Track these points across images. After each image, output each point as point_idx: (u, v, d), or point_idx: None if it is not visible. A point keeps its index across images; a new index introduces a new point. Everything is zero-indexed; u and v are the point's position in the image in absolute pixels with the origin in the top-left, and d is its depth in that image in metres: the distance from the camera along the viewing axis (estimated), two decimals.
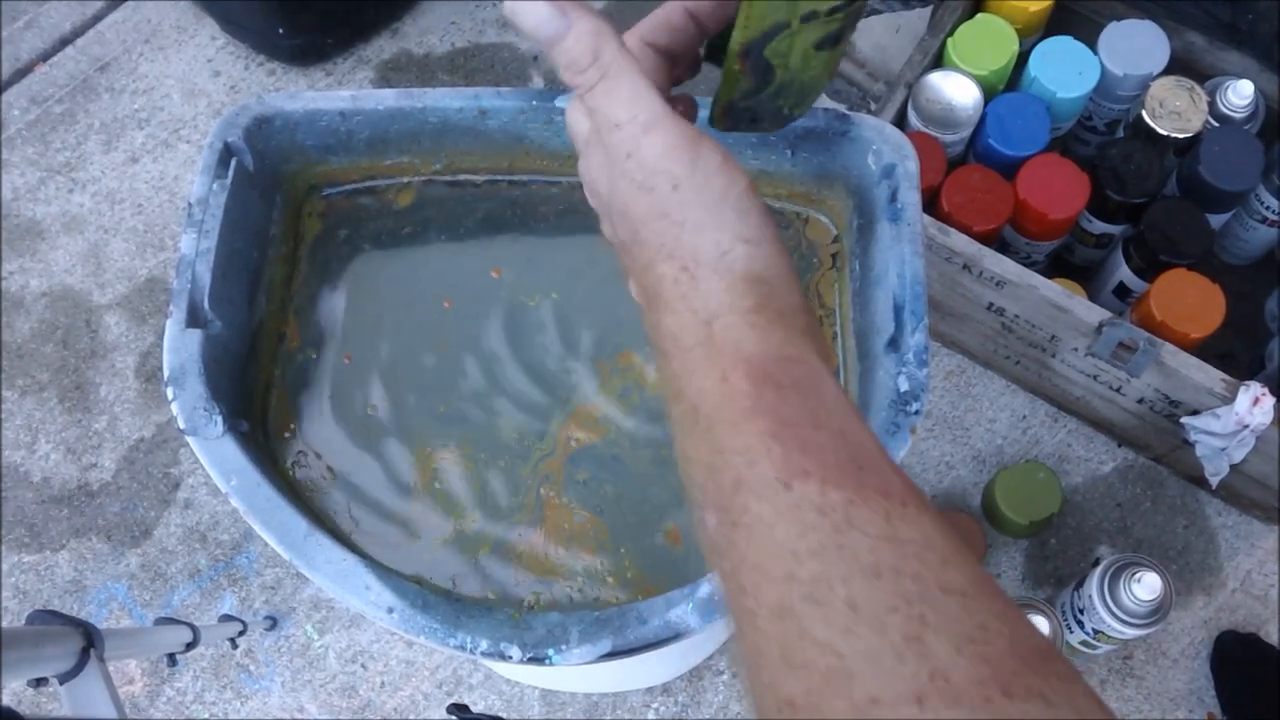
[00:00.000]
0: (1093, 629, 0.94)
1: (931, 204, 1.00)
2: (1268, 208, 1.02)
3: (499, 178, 0.66)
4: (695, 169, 0.33)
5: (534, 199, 0.66)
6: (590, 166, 0.36)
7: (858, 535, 0.27)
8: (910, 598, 0.25)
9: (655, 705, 1.05)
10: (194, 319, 0.55)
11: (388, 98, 0.61)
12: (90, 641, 0.71)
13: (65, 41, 1.38)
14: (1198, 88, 0.98)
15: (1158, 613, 0.89)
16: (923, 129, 1.00)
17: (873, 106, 1.03)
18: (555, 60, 0.34)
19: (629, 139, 0.33)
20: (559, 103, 0.60)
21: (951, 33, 1.02)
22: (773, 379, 0.30)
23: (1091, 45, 1.00)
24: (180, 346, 0.54)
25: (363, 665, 1.07)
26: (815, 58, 0.38)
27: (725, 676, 1.06)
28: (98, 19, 1.39)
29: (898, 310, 0.55)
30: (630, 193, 0.33)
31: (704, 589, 0.50)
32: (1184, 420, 0.96)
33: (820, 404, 0.30)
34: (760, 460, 0.29)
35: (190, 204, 0.57)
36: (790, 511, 0.28)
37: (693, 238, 0.33)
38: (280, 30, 1.28)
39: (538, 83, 1.36)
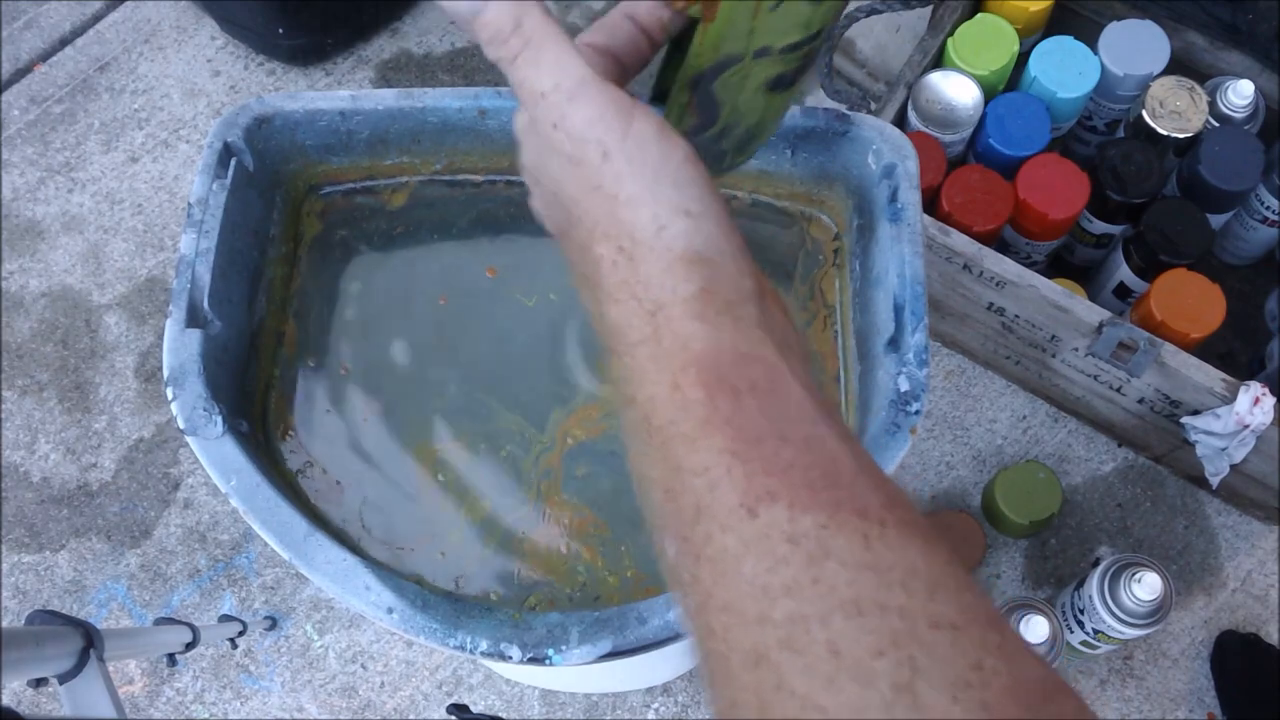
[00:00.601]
0: (1093, 629, 0.94)
1: (931, 204, 1.00)
2: (1268, 208, 1.02)
3: (497, 177, 0.66)
4: (627, 137, 0.30)
5: None
6: (526, 150, 0.33)
7: (835, 566, 0.24)
8: (898, 638, 0.23)
9: (655, 705, 1.05)
10: (194, 319, 0.55)
11: (388, 98, 0.61)
12: (90, 641, 0.71)
13: (65, 41, 1.38)
14: (1198, 88, 0.98)
15: (1158, 613, 0.89)
16: (923, 129, 1.00)
17: (873, 106, 1.03)
18: (478, 37, 0.31)
19: (554, 108, 0.30)
20: None
21: (951, 33, 1.02)
22: (728, 383, 0.28)
23: (1091, 45, 1.00)
24: (180, 346, 0.54)
25: (363, 665, 1.07)
26: (764, 100, 0.36)
27: None
28: (97, 19, 1.39)
29: (898, 310, 0.55)
30: (560, 168, 0.31)
31: None
32: (1184, 420, 0.96)
33: (783, 411, 0.28)
34: (721, 483, 0.26)
35: (190, 204, 0.57)
36: (758, 542, 0.25)
37: (628, 212, 0.30)
38: (280, 30, 1.28)
39: None
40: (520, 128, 0.34)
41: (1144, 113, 0.98)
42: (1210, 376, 0.90)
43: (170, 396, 0.53)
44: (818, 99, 1.28)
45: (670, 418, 0.28)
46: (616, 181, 0.30)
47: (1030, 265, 0.96)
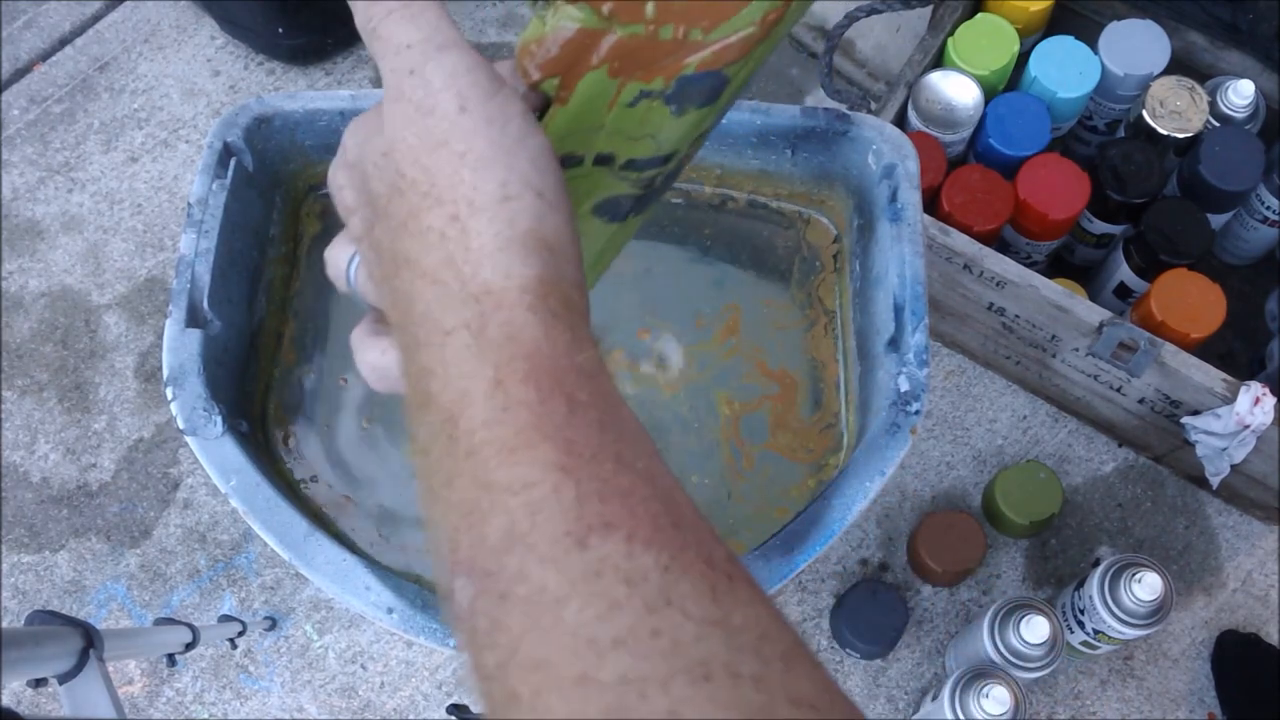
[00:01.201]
0: (1093, 629, 0.94)
1: (931, 204, 1.00)
2: (1268, 208, 1.02)
3: None
4: (491, 99, 0.26)
5: None
6: (356, 126, 0.29)
7: (678, 617, 0.20)
8: (753, 712, 0.19)
9: None
10: (193, 319, 0.55)
11: None
12: (90, 642, 0.71)
13: (64, 41, 1.38)
14: (1198, 88, 0.98)
15: (1158, 613, 0.89)
16: (923, 129, 1.00)
17: (873, 106, 1.03)
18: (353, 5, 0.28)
19: (417, 55, 0.26)
20: None
21: (951, 32, 1.02)
22: (562, 389, 0.23)
23: (1092, 45, 1.00)
24: (180, 346, 0.54)
25: (362, 666, 1.07)
26: (590, 225, 0.32)
27: None
28: (97, 19, 1.39)
29: (898, 310, 0.55)
30: (404, 118, 0.26)
31: None
32: (1184, 420, 0.96)
33: (621, 433, 0.23)
34: (546, 505, 0.21)
35: (190, 204, 0.57)
36: (587, 581, 0.20)
37: (472, 173, 0.25)
38: (280, 30, 1.28)
39: None
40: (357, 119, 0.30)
41: (1144, 113, 0.98)
42: (1210, 376, 0.90)
43: (170, 396, 0.53)
44: (818, 99, 1.28)
45: (485, 418, 0.23)
46: (468, 138, 0.25)
47: (1030, 265, 0.96)
